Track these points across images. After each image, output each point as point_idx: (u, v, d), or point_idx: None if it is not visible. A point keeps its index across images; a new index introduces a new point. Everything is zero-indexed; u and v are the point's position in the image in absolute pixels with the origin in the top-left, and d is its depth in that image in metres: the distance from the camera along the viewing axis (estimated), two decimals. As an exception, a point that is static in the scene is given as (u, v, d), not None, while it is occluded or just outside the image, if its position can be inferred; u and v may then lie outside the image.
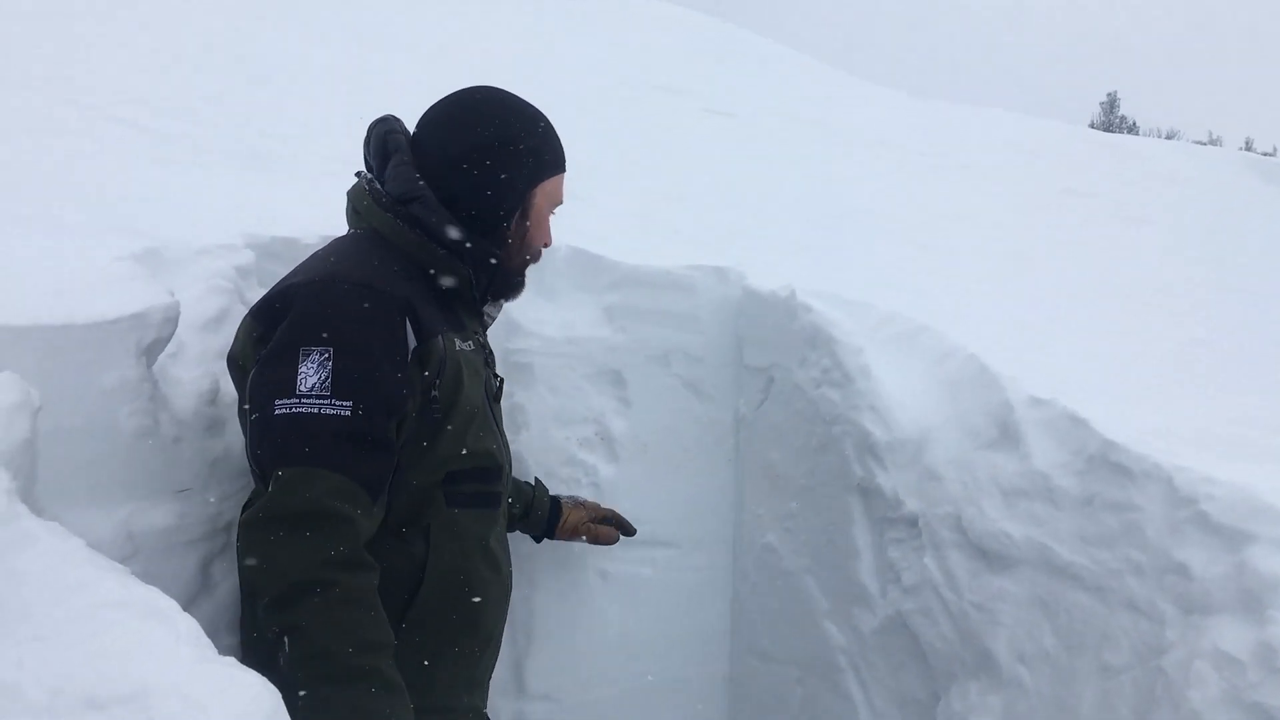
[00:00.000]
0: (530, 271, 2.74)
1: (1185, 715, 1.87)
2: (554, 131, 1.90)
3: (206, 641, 1.19)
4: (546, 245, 1.94)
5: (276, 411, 1.57)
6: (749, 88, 6.78)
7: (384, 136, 1.83)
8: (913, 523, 2.54)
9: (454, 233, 1.75)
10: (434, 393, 1.69)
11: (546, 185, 1.87)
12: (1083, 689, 2.14)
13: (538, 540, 2.48)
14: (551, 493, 2.47)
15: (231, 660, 1.17)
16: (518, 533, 2.43)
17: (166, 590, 1.30)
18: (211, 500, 1.86)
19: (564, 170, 1.91)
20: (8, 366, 1.51)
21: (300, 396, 1.56)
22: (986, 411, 2.46)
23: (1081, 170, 6.22)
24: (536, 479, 2.50)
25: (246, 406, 1.66)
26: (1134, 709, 2.02)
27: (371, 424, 1.59)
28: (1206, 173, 7.03)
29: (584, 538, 2.50)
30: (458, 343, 1.76)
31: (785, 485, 2.90)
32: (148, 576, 1.35)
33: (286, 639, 1.52)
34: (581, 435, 2.83)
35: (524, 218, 1.86)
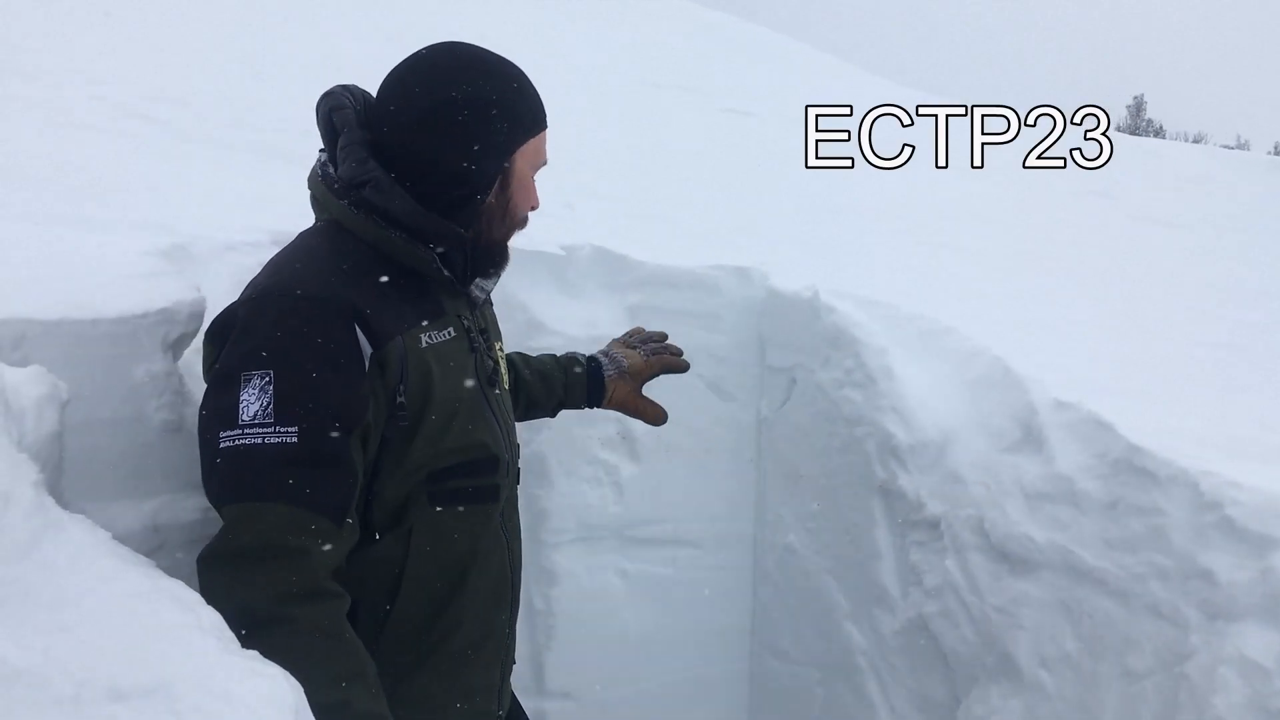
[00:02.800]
0: (553, 269, 2.76)
1: (1209, 721, 1.85)
2: (530, 85, 1.69)
3: (230, 634, 1.20)
4: (534, 208, 1.73)
5: (221, 445, 1.49)
6: (766, 85, 6.78)
7: (328, 116, 1.68)
8: (935, 525, 2.52)
9: (412, 214, 1.61)
10: (400, 399, 1.57)
11: (527, 148, 1.67)
12: (1105, 694, 2.12)
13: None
14: (590, 363, 2.17)
15: (254, 653, 1.18)
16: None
17: (190, 584, 1.31)
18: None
19: (545, 128, 1.70)
20: (36, 360, 1.52)
21: (243, 427, 1.48)
22: (1010, 414, 2.44)
23: (1108, 173, 6.18)
24: (572, 357, 2.17)
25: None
26: (1156, 714, 2.01)
27: (323, 444, 1.49)
28: (1234, 177, 6.98)
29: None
30: (425, 338, 1.63)
31: (807, 486, 2.89)
32: (173, 569, 1.35)
33: None
34: (604, 434, 2.84)
35: (504, 187, 1.67)
